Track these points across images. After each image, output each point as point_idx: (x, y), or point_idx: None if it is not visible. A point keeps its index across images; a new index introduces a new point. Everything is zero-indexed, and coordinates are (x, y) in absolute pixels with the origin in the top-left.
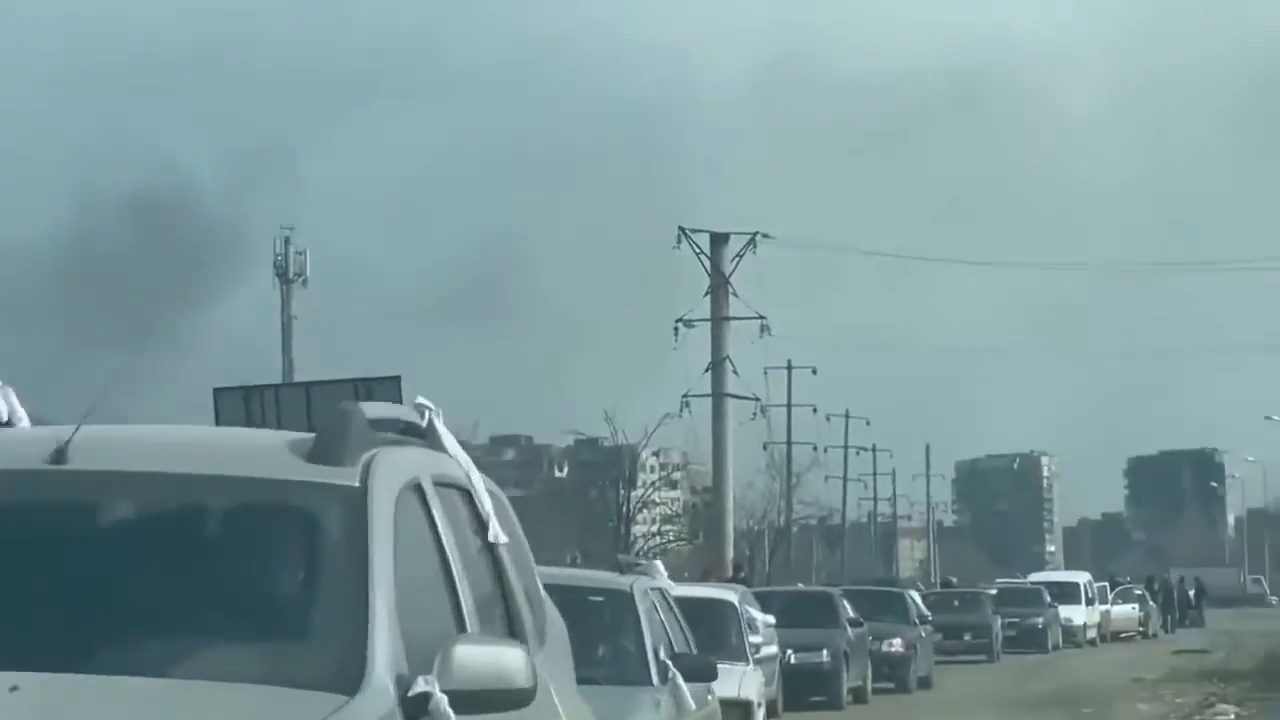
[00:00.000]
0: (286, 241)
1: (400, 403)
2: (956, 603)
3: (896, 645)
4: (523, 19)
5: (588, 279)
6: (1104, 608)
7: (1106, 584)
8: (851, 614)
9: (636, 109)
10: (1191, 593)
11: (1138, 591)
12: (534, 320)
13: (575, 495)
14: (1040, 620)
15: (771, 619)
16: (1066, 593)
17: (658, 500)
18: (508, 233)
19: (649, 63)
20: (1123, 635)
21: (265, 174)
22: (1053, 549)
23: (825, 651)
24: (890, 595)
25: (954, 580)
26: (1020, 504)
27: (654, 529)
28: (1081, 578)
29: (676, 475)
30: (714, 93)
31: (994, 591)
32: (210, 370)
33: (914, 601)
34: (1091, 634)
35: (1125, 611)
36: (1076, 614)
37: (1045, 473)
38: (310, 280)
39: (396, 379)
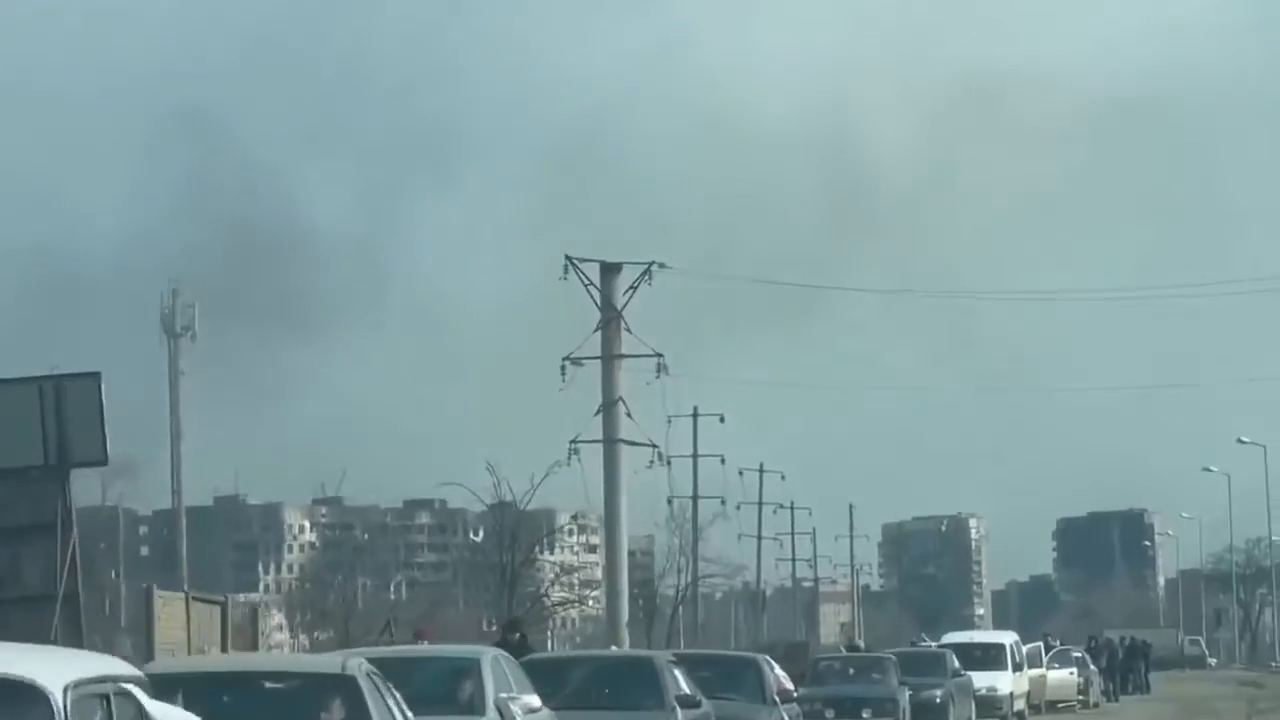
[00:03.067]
0: (174, 294)
1: (100, 402)
2: (852, 671)
3: None
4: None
5: (465, 312)
6: (1037, 672)
7: (1040, 645)
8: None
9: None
10: (1123, 655)
11: (1076, 654)
12: (408, 353)
13: (489, 561)
14: (938, 693)
15: None
16: (989, 656)
17: (576, 564)
18: (380, 255)
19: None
20: (1060, 705)
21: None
22: (981, 612)
23: None
24: (743, 664)
25: (860, 645)
26: (948, 567)
27: (542, 590)
28: (1007, 638)
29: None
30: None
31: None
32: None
33: (770, 673)
34: (1019, 704)
35: (1062, 677)
36: (1001, 681)
37: (974, 535)
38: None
39: (96, 375)
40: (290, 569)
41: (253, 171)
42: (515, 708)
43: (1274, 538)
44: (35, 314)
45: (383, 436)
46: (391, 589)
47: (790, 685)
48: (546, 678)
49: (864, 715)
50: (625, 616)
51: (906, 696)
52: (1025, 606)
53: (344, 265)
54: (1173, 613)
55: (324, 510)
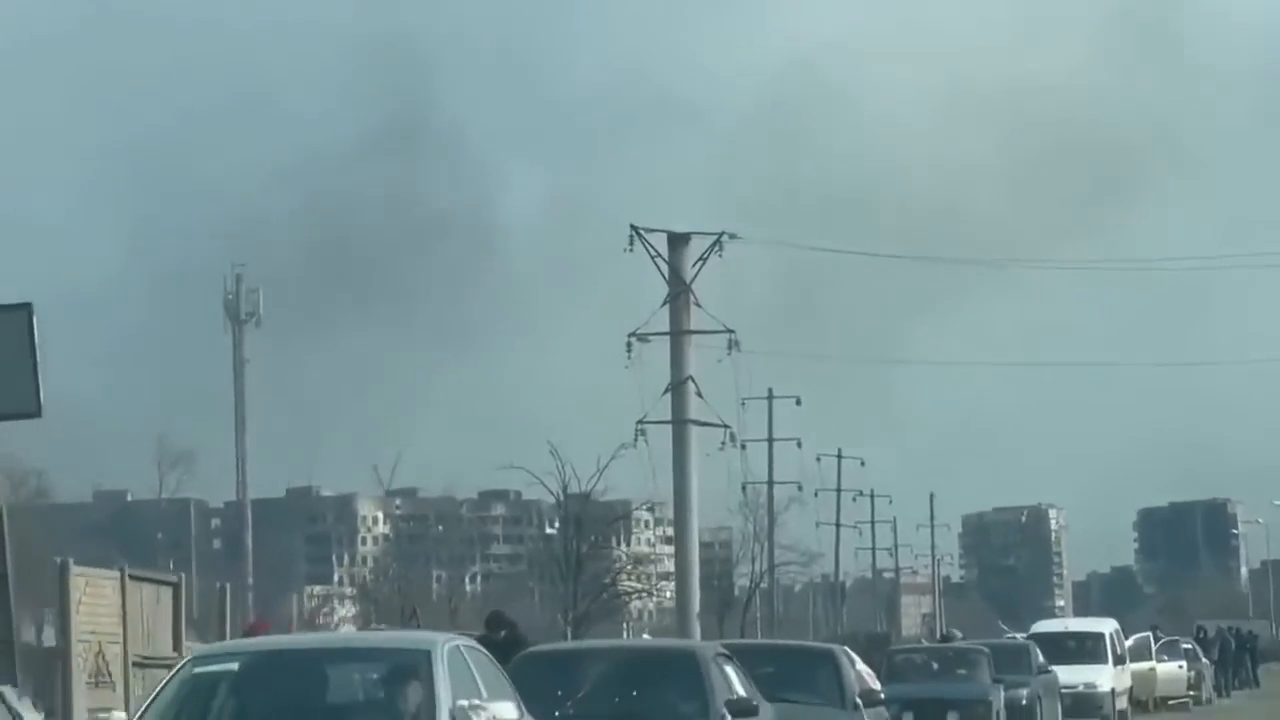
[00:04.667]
0: (238, 279)
1: (31, 341)
2: (936, 665)
3: None
4: None
5: (526, 287)
6: (1145, 666)
7: (1149, 635)
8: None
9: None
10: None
11: (1186, 645)
12: (467, 333)
13: (570, 555)
14: (1024, 693)
15: None
16: (1086, 648)
17: (652, 555)
18: (434, 232)
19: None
20: (1171, 702)
21: None
22: (1062, 603)
23: None
24: (817, 658)
25: (958, 634)
26: (1028, 558)
27: (609, 579)
28: (1106, 626)
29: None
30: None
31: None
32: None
33: (850, 669)
34: (1121, 702)
35: (1172, 671)
36: (1100, 676)
37: (1054, 525)
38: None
39: (26, 307)
40: (364, 561)
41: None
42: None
43: None
44: (99, 295)
45: (445, 422)
46: (466, 581)
47: (876, 683)
48: (552, 677)
49: (948, 718)
50: (696, 607)
51: (1002, 696)
52: (1106, 598)
53: (404, 244)
54: (1262, 603)
55: (398, 502)
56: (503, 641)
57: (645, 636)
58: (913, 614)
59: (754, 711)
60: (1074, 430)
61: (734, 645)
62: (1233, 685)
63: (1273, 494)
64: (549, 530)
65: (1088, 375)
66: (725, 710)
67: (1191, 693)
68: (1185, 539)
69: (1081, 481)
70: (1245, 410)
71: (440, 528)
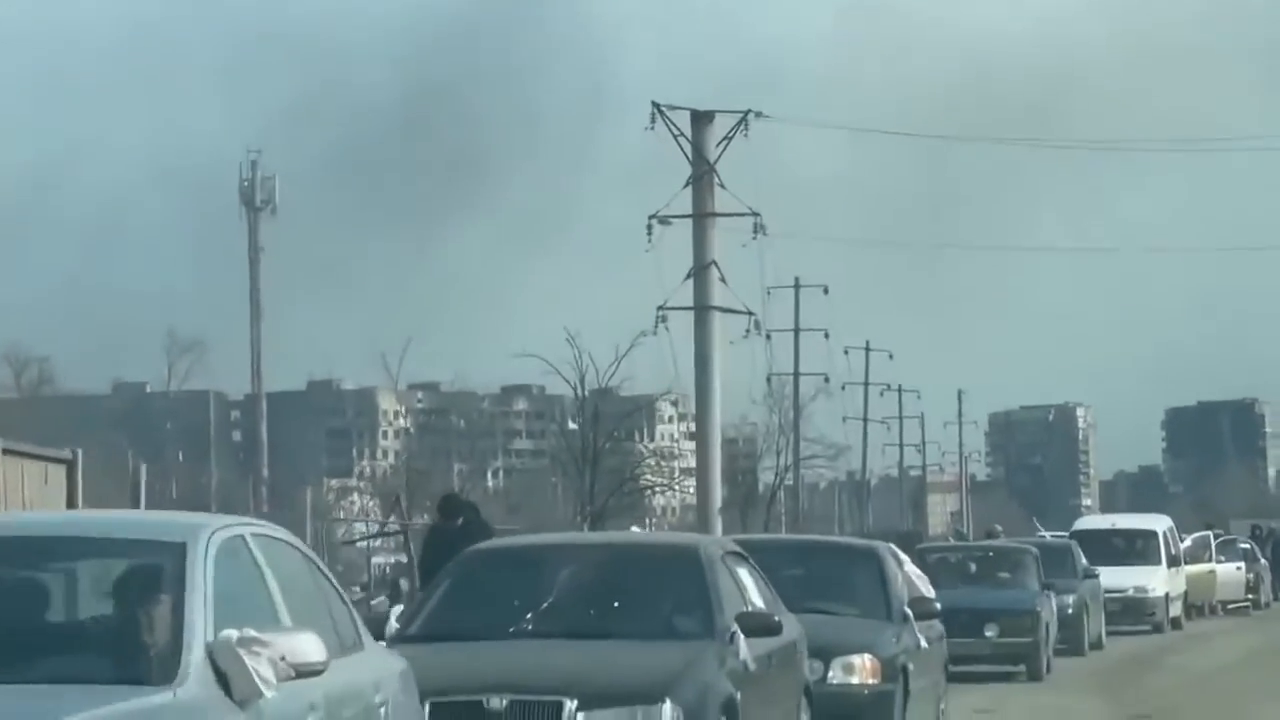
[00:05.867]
0: (254, 166)
1: None
2: (974, 567)
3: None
4: None
5: (543, 166)
6: (1203, 568)
7: (1208, 534)
8: (753, 602)
9: None
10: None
11: (1243, 545)
12: (483, 218)
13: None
14: (1070, 599)
15: None
16: (1136, 548)
17: (676, 451)
18: (451, 117)
19: None
20: (1231, 606)
21: None
22: (1089, 502)
23: None
24: (856, 558)
25: (999, 529)
26: (1055, 457)
27: (630, 474)
28: (1159, 524)
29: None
30: None
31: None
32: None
33: (898, 572)
34: (1175, 609)
35: (1229, 572)
36: (1154, 579)
37: (1081, 424)
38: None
39: None
40: (385, 455)
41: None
42: (251, 663)
43: None
44: (110, 188)
45: (463, 311)
46: (488, 476)
47: (928, 588)
48: (506, 580)
49: (986, 634)
50: (718, 502)
51: (1053, 604)
52: (1134, 497)
53: (419, 130)
54: None
55: (419, 395)
56: (461, 531)
57: (634, 530)
58: (938, 513)
59: (774, 629)
60: (1105, 328)
61: (755, 542)
62: None
63: None
64: (571, 426)
65: (1123, 265)
66: (735, 626)
67: (1250, 596)
68: (1213, 439)
69: (1110, 381)
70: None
71: (461, 422)
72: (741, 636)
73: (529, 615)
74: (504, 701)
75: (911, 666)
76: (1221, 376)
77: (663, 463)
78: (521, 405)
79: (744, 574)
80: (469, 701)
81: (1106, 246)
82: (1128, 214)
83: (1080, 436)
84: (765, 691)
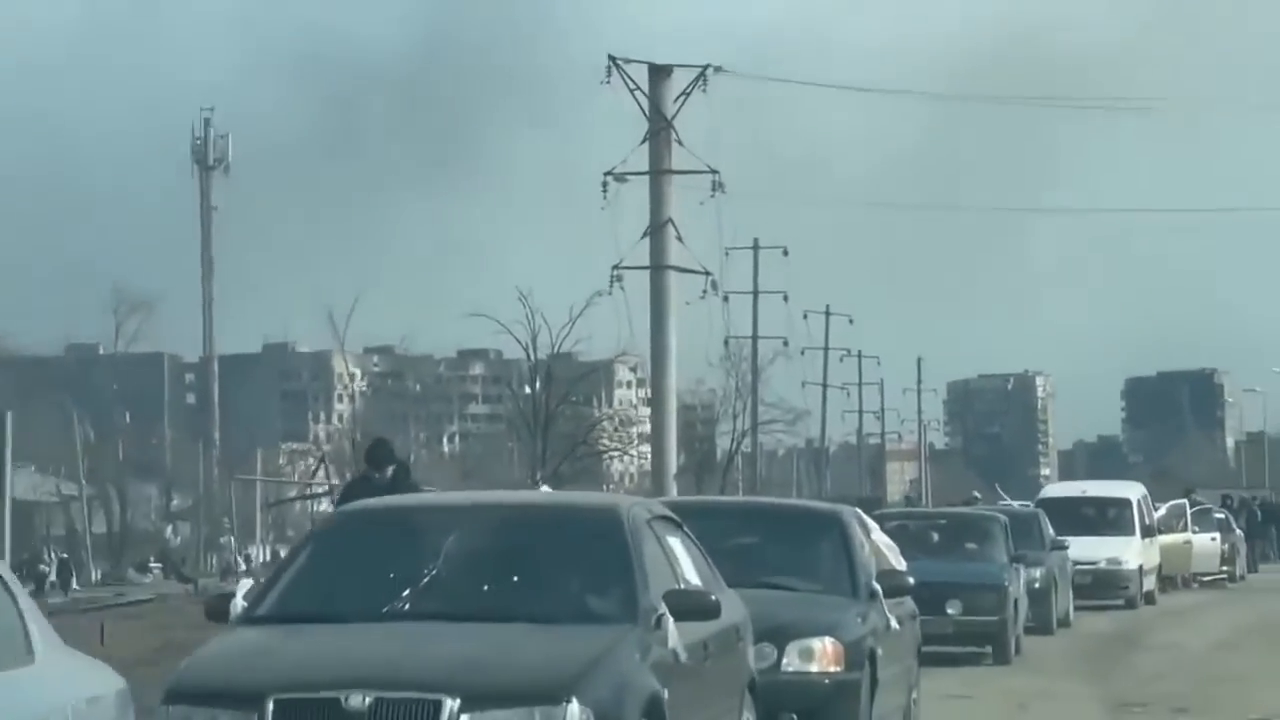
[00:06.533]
0: (206, 124)
1: None
2: (936, 536)
3: None
4: None
5: (499, 122)
6: (1178, 538)
7: (1185, 503)
8: (688, 578)
9: None
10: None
11: (1219, 515)
12: (438, 174)
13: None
14: (1038, 573)
15: None
16: (1108, 517)
17: (636, 418)
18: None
19: None
20: (1206, 579)
21: None
22: (1047, 472)
23: None
24: (818, 524)
25: (978, 496)
26: (1014, 426)
27: (583, 438)
28: (1133, 491)
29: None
30: None
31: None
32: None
33: (865, 541)
34: (1149, 582)
35: (1204, 544)
36: (1126, 551)
37: (1040, 393)
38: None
39: None
40: (340, 419)
41: None
42: None
43: None
44: (59, 143)
45: (416, 271)
46: (444, 440)
47: (899, 560)
48: (386, 547)
49: (948, 610)
50: (674, 467)
51: (1021, 580)
52: (1092, 467)
53: (371, 86)
54: (1257, 474)
55: (375, 359)
56: (390, 485)
57: (544, 489)
58: (897, 481)
59: (711, 610)
60: (1067, 296)
61: (695, 505)
62: (1258, 559)
63: (1259, 366)
64: (528, 390)
65: (1085, 233)
66: (663, 607)
67: (1225, 568)
68: (1172, 409)
69: (1070, 350)
70: (1238, 277)
71: (417, 386)
72: (670, 620)
73: (406, 592)
74: (366, 699)
75: (880, 651)
76: (1182, 347)
77: (620, 429)
78: (478, 369)
79: (676, 543)
80: (323, 699)
81: (1071, 209)
82: (1096, 180)
83: (1039, 406)
84: (699, 687)
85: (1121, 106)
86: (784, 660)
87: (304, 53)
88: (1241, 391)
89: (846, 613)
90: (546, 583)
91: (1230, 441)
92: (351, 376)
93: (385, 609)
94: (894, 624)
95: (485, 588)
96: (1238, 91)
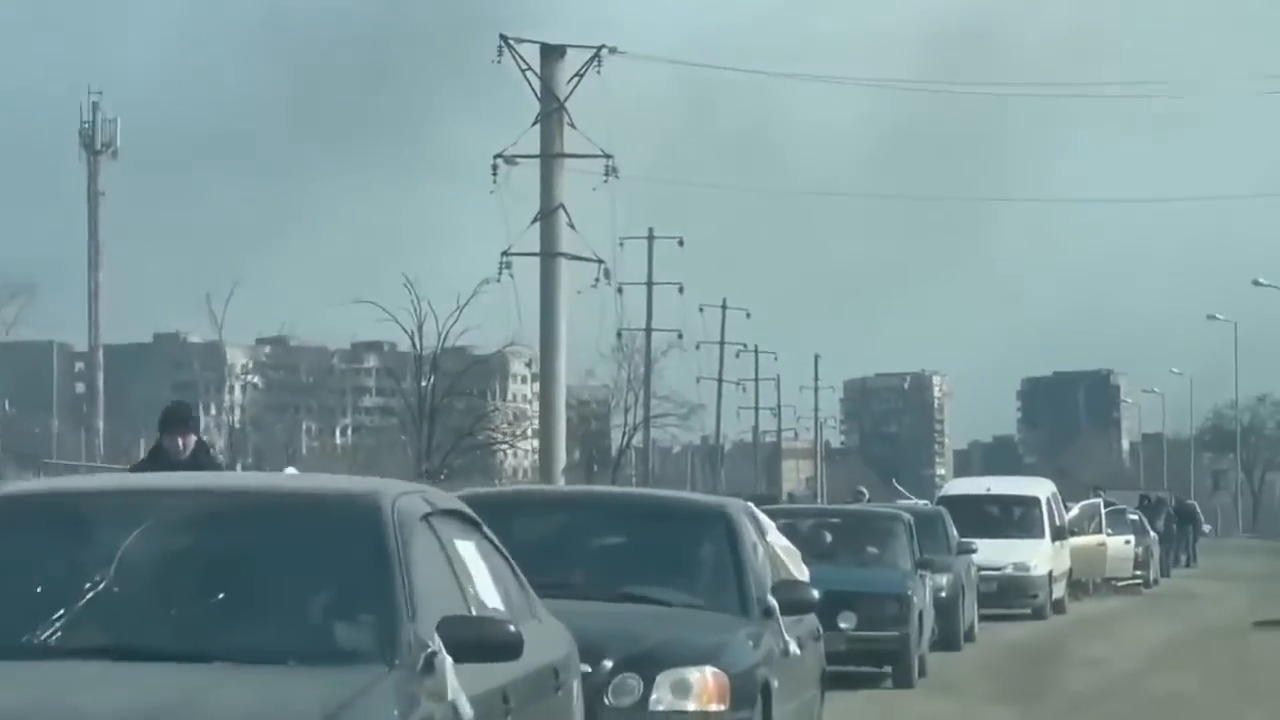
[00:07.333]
0: (94, 108)
1: None
2: (830, 537)
3: None
4: None
5: (387, 103)
6: (1091, 540)
7: (1098, 502)
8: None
9: None
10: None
11: (1132, 516)
12: (327, 155)
13: (438, 406)
14: (945, 579)
15: None
16: (1014, 518)
17: (530, 413)
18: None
19: None
20: (1120, 585)
21: None
22: (943, 471)
23: None
24: (698, 522)
25: (864, 492)
26: (910, 425)
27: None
28: (1042, 489)
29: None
30: None
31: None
32: None
33: (756, 537)
34: (1059, 590)
35: (1119, 547)
36: (1035, 555)
37: (937, 393)
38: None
39: None
40: (232, 410)
41: None
42: None
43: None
44: None
45: (305, 257)
46: (337, 433)
47: (801, 569)
48: (33, 551)
49: (840, 624)
50: (562, 460)
51: (927, 589)
52: (988, 467)
53: (258, 65)
54: (1154, 475)
55: (268, 350)
56: (191, 459)
57: (289, 470)
58: (792, 479)
59: (506, 648)
60: (965, 296)
61: (542, 497)
62: (1171, 563)
63: (1159, 367)
64: (423, 384)
65: (984, 230)
66: (437, 641)
67: (1139, 573)
68: (1068, 409)
69: (967, 350)
70: (1133, 276)
71: (310, 378)
72: (448, 661)
73: (58, 616)
74: None
75: (775, 684)
76: (1079, 348)
77: (515, 422)
78: (372, 361)
79: (469, 550)
80: None
81: (970, 202)
82: (997, 176)
83: (936, 405)
84: None
85: (1024, 94)
86: (652, 696)
87: (191, 34)
88: (1140, 392)
89: (733, 635)
90: (267, 604)
91: (1126, 443)
92: (245, 368)
93: (34, 639)
94: (793, 648)
95: (174, 611)
96: (1157, 84)
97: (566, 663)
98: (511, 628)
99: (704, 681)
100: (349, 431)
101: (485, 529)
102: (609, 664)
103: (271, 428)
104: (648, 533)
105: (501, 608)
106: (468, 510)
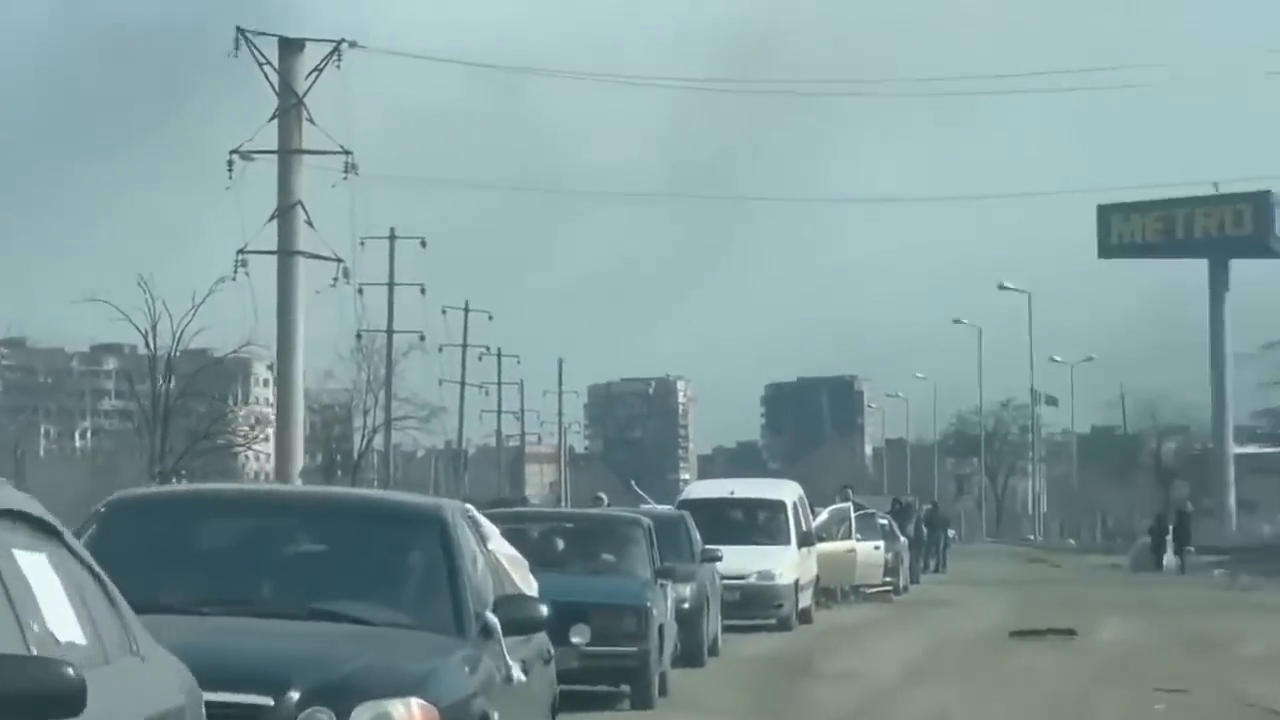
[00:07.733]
0: None
1: None
2: (562, 544)
3: None
4: None
5: (125, 95)
6: (840, 546)
7: (848, 506)
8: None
9: None
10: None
11: (881, 520)
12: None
13: (175, 409)
14: (689, 589)
15: None
16: (758, 523)
17: (272, 417)
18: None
19: None
20: (870, 592)
21: None
22: (687, 477)
23: None
24: (387, 527)
25: (604, 498)
26: (655, 430)
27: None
28: (788, 492)
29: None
30: None
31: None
32: None
33: (476, 545)
34: (805, 598)
35: (869, 553)
36: (780, 563)
37: (681, 398)
38: None
39: None
40: None
41: None
42: None
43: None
44: None
45: (35, 257)
46: (76, 437)
47: (530, 581)
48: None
49: (572, 639)
50: (299, 463)
51: (668, 599)
52: (732, 472)
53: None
54: (900, 481)
55: (3, 351)
56: None
57: None
58: (536, 484)
59: (66, 699)
60: (709, 302)
61: (228, 496)
62: (921, 569)
63: (903, 373)
64: (158, 385)
65: (736, 229)
66: None
67: (889, 580)
68: (811, 415)
69: (712, 355)
70: (883, 280)
71: (49, 380)
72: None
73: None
74: None
75: (495, 715)
76: (825, 353)
77: (257, 425)
78: (111, 364)
79: (37, 566)
80: None
81: (718, 200)
82: (746, 179)
83: (680, 410)
84: None
85: (795, 93)
86: None
87: None
88: (884, 397)
89: (445, 659)
90: None
91: (869, 448)
92: None
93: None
94: (517, 673)
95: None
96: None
97: (180, 714)
98: (70, 670)
99: (409, 715)
100: (88, 435)
101: (67, 537)
102: (295, 695)
103: (5, 429)
104: (348, 539)
105: (82, 641)
106: (43, 515)
